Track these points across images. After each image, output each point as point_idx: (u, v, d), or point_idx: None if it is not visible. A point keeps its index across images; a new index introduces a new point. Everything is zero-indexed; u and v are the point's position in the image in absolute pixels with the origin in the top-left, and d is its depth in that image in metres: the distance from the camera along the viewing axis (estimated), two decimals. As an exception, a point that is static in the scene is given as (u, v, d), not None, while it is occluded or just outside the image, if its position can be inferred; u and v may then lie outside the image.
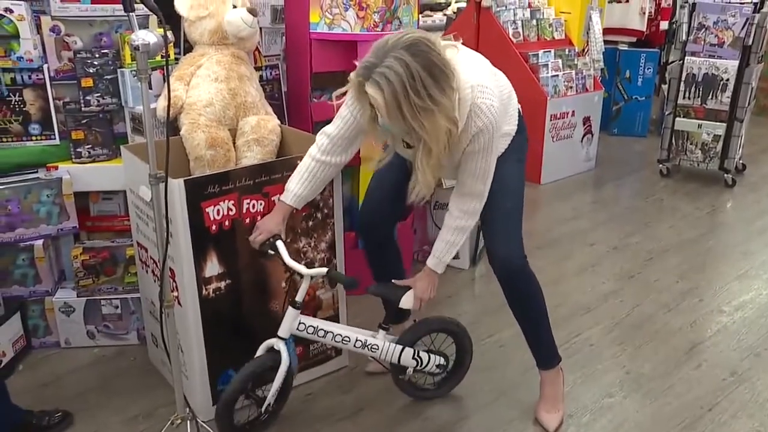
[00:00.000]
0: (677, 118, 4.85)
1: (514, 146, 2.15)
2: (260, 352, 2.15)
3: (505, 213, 2.16)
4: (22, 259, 2.57)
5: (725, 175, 4.83)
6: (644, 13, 6.10)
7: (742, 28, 4.49)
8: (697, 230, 4.07)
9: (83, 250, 2.59)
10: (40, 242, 2.57)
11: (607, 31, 5.63)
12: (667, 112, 4.95)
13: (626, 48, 6.07)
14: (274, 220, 2.14)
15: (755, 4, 4.48)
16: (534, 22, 4.96)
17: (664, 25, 6.36)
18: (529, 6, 5.01)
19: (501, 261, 2.17)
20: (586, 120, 5.05)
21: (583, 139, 5.07)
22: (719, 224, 4.26)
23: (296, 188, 2.13)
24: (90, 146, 2.60)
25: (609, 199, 4.66)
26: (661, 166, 5.05)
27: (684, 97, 4.78)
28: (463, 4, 6.54)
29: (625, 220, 4.23)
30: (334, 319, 2.50)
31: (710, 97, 4.67)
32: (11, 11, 2.40)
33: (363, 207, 2.40)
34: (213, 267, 2.15)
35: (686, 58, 4.73)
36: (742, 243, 3.90)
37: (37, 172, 2.58)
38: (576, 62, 5.01)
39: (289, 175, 2.17)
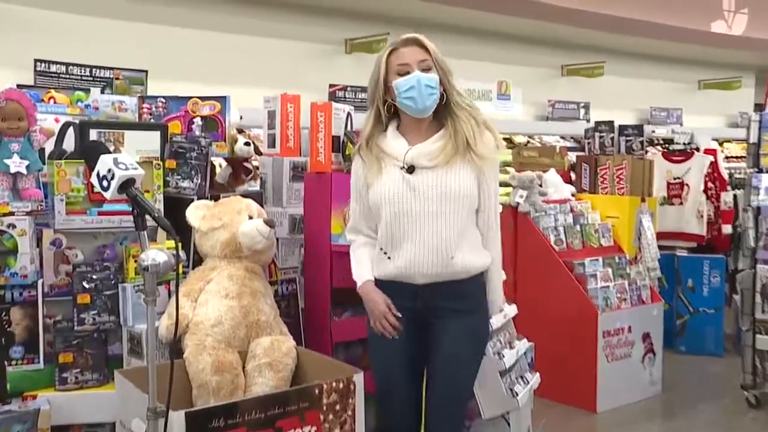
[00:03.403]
0: (758, 335, 4.77)
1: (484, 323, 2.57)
2: None
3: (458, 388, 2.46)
4: None
5: (826, 404, 4.68)
6: (702, 216, 6.27)
7: (814, 234, 4.60)
8: (798, 475, 3.87)
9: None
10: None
11: (661, 235, 5.78)
12: (744, 328, 4.89)
13: (685, 254, 6.18)
14: (381, 296, 2.49)
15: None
16: (578, 227, 5.14)
17: (726, 228, 6.52)
18: (572, 211, 5.22)
19: None
20: (646, 336, 5.03)
21: (644, 358, 5.02)
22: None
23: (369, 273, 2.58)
24: (78, 370, 2.65)
25: (683, 432, 4.51)
26: (746, 393, 4.87)
27: (762, 311, 4.75)
28: (499, 208, 6.83)
29: (706, 459, 4.05)
30: None
31: (792, 311, 4.67)
32: (14, 227, 2.58)
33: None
34: None
35: (758, 266, 4.76)
36: None
37: (10, 402, 2.56)
38: (628, 271, 5.11)
39: (305, 407, 2.22)
